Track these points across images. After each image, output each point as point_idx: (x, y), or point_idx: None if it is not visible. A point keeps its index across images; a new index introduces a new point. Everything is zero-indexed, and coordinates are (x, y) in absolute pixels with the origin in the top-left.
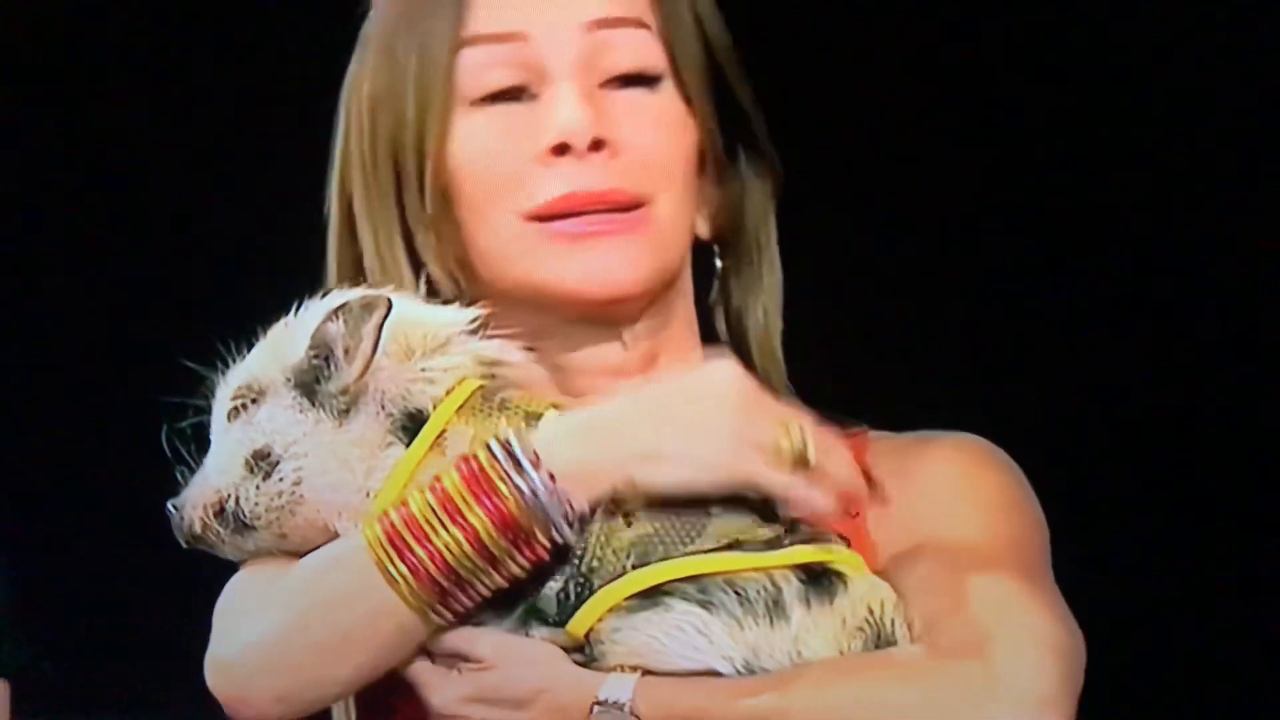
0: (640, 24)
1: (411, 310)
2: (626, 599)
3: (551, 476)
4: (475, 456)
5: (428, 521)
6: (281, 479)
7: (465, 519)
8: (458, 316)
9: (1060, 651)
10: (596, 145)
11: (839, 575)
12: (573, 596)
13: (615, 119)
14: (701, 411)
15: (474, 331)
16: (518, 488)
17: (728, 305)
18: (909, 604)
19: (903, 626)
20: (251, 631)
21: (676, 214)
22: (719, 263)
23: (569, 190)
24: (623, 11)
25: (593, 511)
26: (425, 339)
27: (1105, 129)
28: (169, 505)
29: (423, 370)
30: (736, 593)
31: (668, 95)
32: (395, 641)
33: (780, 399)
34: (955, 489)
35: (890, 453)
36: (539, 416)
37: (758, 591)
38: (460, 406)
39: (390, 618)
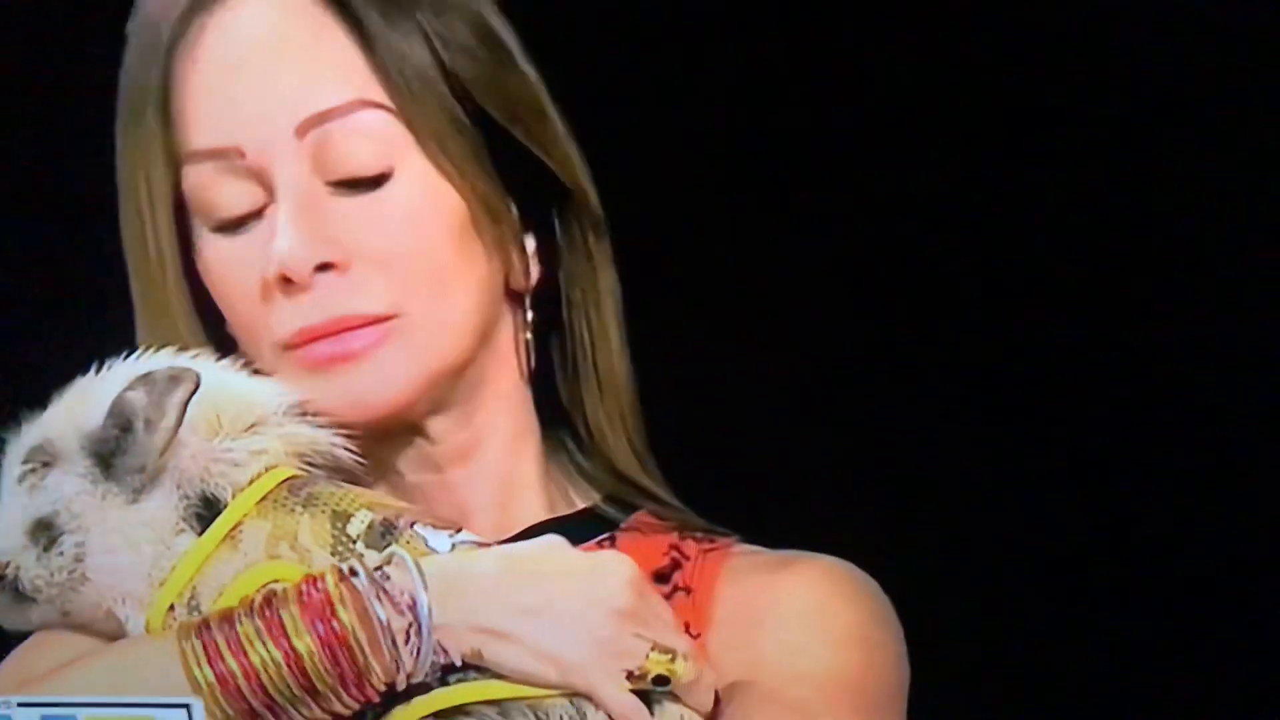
0: (368, 104)
1: (229, 381)
2: (423, 718)
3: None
4: (323, 578)
5: (247, 636)
6: (62, 553)
7: (290, 641)
8: (278, 394)
9: None
10: (323, 268)
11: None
12: (369, 715)
13: (345, 230)
14: (575, 608)
15: (295, 412)
16: (377, 621)
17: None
18: None
19: None
20: None
21: (441, 307)
22: (529, 315)
23: (300, 326)
24: (342, 97)
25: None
26: (236, 416)
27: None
28: None
29: (227, 451)
30: (536, 716)
31: (410, 180)
32: None
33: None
34: (805, 620)
35: (748, 570)
36: (349, 517)
37: (560, 715)
38: (262, 499)
39: None
